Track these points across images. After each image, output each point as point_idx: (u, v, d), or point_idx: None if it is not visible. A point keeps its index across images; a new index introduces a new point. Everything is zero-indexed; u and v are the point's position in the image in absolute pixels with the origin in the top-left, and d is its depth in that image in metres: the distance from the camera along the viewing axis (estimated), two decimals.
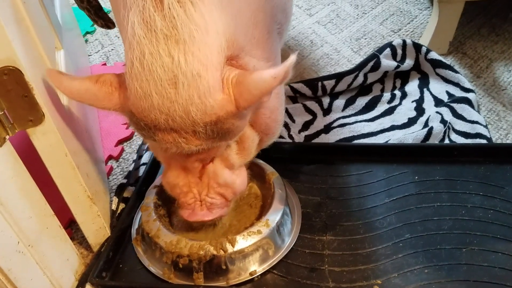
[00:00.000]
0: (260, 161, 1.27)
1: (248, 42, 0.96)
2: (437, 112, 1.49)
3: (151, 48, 0.81)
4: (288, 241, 1.16)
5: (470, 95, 1.52)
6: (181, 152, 0.92)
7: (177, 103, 0.83)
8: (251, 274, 1.10)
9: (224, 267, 1.08)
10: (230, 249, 1.07)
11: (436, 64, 1.66)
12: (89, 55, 2.07)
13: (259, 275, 1.10)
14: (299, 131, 1.55)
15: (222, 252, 1.07)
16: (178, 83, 0.82)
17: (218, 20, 0.84)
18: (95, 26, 1.43)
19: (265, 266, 1.11)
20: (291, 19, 1.40)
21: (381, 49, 1.71)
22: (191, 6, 0.80)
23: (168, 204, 1.24)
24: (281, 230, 1.14)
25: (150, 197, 1.23)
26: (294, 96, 1.67)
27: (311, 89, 1.65)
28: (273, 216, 1.14)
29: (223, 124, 0.88)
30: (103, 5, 1.39)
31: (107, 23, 1.39)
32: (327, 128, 1.55)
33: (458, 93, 1.57)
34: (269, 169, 1.25)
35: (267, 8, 1.03)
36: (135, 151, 1.56)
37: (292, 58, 0.81)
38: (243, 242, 1.09)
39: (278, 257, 1.13)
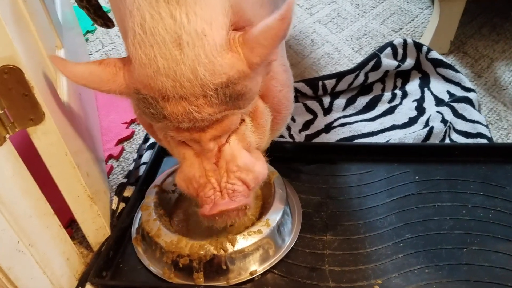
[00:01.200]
0: None
1: (255, 18, 0.92)
2: (437, 112, 1.49)
3: (151, 11, 0.79)
4: (289, 241, 1.16)
5: (471, 95, 1.52)
6: (194, 131, 0.90)
7: (184, 64, 0.80)
8: (251, 273, 1.10)
9: (224, 267, 1.08)
10: (230, 248, 1.07)
11: (437, 63, 1.66)
12: (89, 54, 2.07)
13: (259, 274, 1.10)
14: (300, 131, 1.54)
15: (222, 252, 1.07)
16: (182, 43, 0.80)
17: None
18: (95, 25, 1.43)
19: (266, 266, 1.11)
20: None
21: (382, 49, 1.70)
22: None
23: (168, 204, 1.25)
24: (282, 229, 1.14)
25: (151, 197, 1.23)
26: (294, 96, 1.66)
27: (312, 88, 1.65)
28: (274, 216, 1.14)
29: (235, 85, 0.85)
30: (102, 4, 1.39)
31: (107, 22, 1.39)
32: (328, 128, 1.55)
33: (459, 92, 1.56)
34: (269, 168, 1.25)
35: None
36: (136, 150, 1.57)
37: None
38: (243, 241, 1.08)
39: (279, 256, 1.13)
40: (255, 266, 1.10)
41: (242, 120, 0.98)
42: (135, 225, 1.25)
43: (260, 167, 1.02)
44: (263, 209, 1.20)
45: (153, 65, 0.81)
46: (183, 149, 0.99)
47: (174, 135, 0.95)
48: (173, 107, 0.85)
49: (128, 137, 1.62)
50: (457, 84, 1.60)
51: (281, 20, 0.79)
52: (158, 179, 1.28)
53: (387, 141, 1.45)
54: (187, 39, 0.79)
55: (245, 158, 0.98)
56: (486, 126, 1.44)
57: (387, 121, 1.54)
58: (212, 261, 1.07)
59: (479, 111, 1.51)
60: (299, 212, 1.23)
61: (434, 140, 1.40)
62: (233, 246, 1.07)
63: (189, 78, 0.81)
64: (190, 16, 0.79)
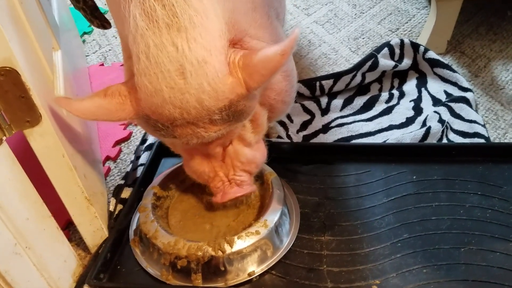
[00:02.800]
0: None
1: (250, 26, 0.96)
2: (435, 112, 1.49)
3: (155, 39, 0.81)
4: (287, 242, 1.16)
5: (468, 94, 1.52)
6: (201, 142, 0.93)
7: (189, 93, 0.83)
8: (249, 274, 1.09)
9: (222, 268, 1.08)
10: (228, 249, 1.07)
11: (434, 63, 1.66)
12: (86, 56, 2.07)
13: (258, 275, 1.10)
14: (297, 131, 1.55)
15: (220, 253, 1.07)
16: (185, 73, 0.82)
17: (215, 4, 0.84)
18: (92, 26, 1.43)
19: (264, 267, 1.11)
20: (285, 7, 1.42)
21: (379, 49, 1.70)
22: None
23: (165, 206, 1.25)
24: (280, 230, 1.14)
25: (148, 198, 1.22)
26: None
27: (309, 89, 1.65)
28: (272, 217, 1.14)
29: (236, 106, 0.88)
30: (99, 5, 1.39)
31: (103, 23, 1.39)
32: (325, 128, 1.55)
33: (456, 92, 1.57)
34: (267, 169, 1.25)
35: None
36: (133, 152, 1.57)
37: (297, 31, 0.81)
38: (241, 243, 1.08)
39: (277, 257, 1.12)
40: (253, 267, 1.10)
41: (243, 125, 1.02)
42: (133, 226, 1.24)
43: (260, 156, 1.09)
44: (261, 210, 1.21)
45: (159, 94, 0.84)
46: (191, 150, 1.04)
47: (183, 146, 1.02)
48: (182, 130, 0.89)
49: (126, 139, 1.62)
50: (454, 84, 1.60)
51: (282, 56, 0.82)
52: (156, 181, 1.28)
53: (385, 141, 1.45)
54: (190, 69, 0.81)
55: (247, 154, 1.05)
56: (484, 125, 1.44)
57: (384, 121, 1.54)
58: (210, 262, 1.07)
59: (476, 110, 1.51)
60: (297, 212, 1.23)
61: (432, 140, 1.40)
62: (231, 247, 1.07)
63: (194, 106, 0.84)
64: (191, 44, 0.81)
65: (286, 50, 0.81)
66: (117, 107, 0.90)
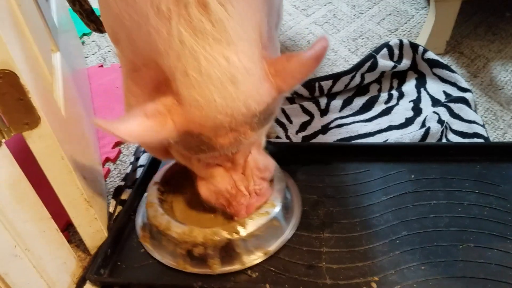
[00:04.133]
0: None
1: (264, 37, 0.97)
2: (434, 112, 1.49)
3: (205, 54, 0.83)
4: (295, 218, 1.20)
5: (467, 95, 1.52)
6: (238, 151, 0.99)
7: (239, 100, 0.86)
8: (265, 253, 1.13)
9: (238, 250, 1.10)
10: (242, 232, 1.10)
11: (433, 64, 1.66)
12: (86, 57, 2.07)
13: (256, 272, 1.11)
14: (297, 132, 1.55)
15: (236, 236, 1.09)
16: (236, 81, 0.85)
17: (251, 16, 0.87)
18: (89, 29, 1.43)
19: (279, 244, 1.15)
20: (282, 18, 1.46)
21: (378, 49, 1.71)
22: (231, 7, 0.83)
23: (169, 200, 1.27)
24: (287, 208, 1.19)
25: (153, 194, 1.24)
26: (291, 97, 1.67)
27: (308, 89, 1.65)
28: (277, 196, 1.17)
29: (270, 109, 0.94)
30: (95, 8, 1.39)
31: (99, 27, 1.40)
32: (325, 129, 1.55)
33: (455, 92, 1.57)
34: None
35: (271, 6, 1.05)
36: (132, 153, 1.57)
37: (326, 37, 0.87)
38: (253, 223, 1.11)
39: (289, 233, 1.17)
40: (268, 246, 1.14)
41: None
42: (138, 224, 1.26)
43: (271, 161, 1.13)
44: None
45: (211, 105, 0.86)
46: (211, 168, 1.06)
47: (210, 161, 1.04)
48: (224, 140, 0.92)
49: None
50: (453, 84, 1.60)
51: (316, 60, 0.88)
52: (157, 176, 1.29)
53: (384, 141, 1.45)
54: (239, 78, 0.85)
55: (263, 160, 1.09)
56: (483, 126, 1.44)
57: (383, 122, 1.54)
58: (226, 246, 1.09)
59: (475, 111, 1.51)
60: (296, 193, 1.28)
61: (431, 140, 1.40)
62: (245, 228, 1.10)
63: (243, 112, 0.88)
64: (239, 55, 0.84)
65: (321, 54, 0.87)
66: (161, 126, 0.88)
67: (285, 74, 0.90)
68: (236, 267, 1.11)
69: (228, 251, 1.10)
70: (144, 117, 0.87)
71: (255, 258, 1.13)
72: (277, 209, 1.15)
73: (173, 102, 0.89)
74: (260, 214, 1.13)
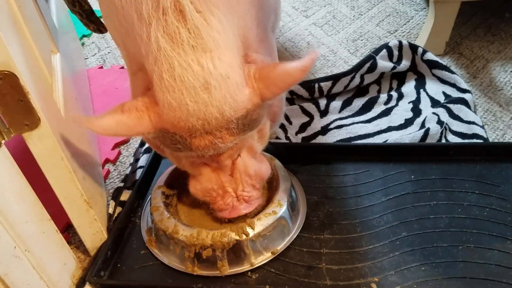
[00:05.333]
0: None
1: (253, 40, 0.99)
2: (433, 113, 1.49)
3: (180, 60, 0.84)
4: (300, 216, 1.21)
5: (466, 96, 1.53)
6: (216, 154, 0.97)
7: (212, 105, 0.87)
8: (273, 253, 1.14)
9: (247, 251, 1.11)
10: (250, 232, 1.10)
11: (432, 64, 1.66)
12: (85, 58, 2.08)
13: (257, 273, 1.11)
14: (296, 133, 1.55)
15: (244, 237, 1.09)
16: (210, 88, 0.86)
17: (231, 23, 0.88)
18: (88, 30, 1.44)
19: (286, 243, 1.16)
20: (280, 19, 1.44)
21: (377, 50, 1.71)
22: (209, 14, 0.84)
23: (174, 203, 1.27)
24: (293, 207, 1.19)
25: (158, 198, 1.24)
26: (291, 98, 1.67)
27: (308, 90, 1.65)
28: (283, 196, 1.18)
29: (252, 115, 0.93)
30: (98, 8, 1.39)
31: (99, 27, 1.40)
32: (324, 130, 1.55)
33: (454, 93, 1.57)
34: (267, 155, 1.29)
35: (265, 8, 1.06)
36: (132, 154, 1.57)
37: (317, 51, 0.86)
38: (261, 223, 1.12)
39: (295, 232, 1.18)
40: (276, 245, 1.14)
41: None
42: (144, 228, 1.26)
43: (265, 169, 1.12)
44: (270, 192, 1.25)
45: (183, 108, 0.87)
46: (199, 166, 1.06)
47: (194, 160, 1.04)
48: (199, 141, 0.93)
49: (125, 141, 1.63)
50: (453, 85, 1.60)
51: (302, 71, 0.88)
52: (161, 180, 1.29)
53: (384, 142, 1.45)
54: (214, 84, 0.86)
55: (254, 166, 1.08)
56: (482, 127, 1.44)
57: (383, 123, 1.55)
58: (234, 247, 1.10)
59: (474, 112, 1.51)
60: (301, 191, 1.29)
61: (430, 141, 1.40)
62: (253, 229, 1.11)
63: (216, 117, 0.89)
64: (215, 62, 0.85)
65: (306, 66, 0.87)
66: (136, 122, 0.93)
67: (269, 82, 0.90)
68: (244, 268, 1.12)
69: (236, 252, 1.10)
70: (120, 113, 0.92)
71: (264, 258, 1.13)
72: (284, 208, 1.16)
73: (151, 100, 0.92)
74: (268, 214, 1.14)
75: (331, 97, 1.67)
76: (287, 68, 0.89)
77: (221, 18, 0.86)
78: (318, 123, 1.58)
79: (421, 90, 1.63)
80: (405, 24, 2.00)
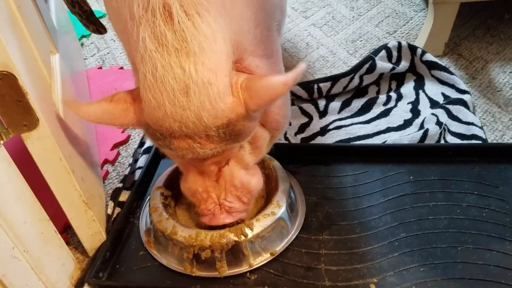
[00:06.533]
0: None
1: (250, 42, 0.98)
2: (432, 114, 1.49)
3: (162, 62, 0.84)
4: (299, 217, 1.21)
5: (465, 97, 1.53)
6: (197, 157, 0.96)
7: (189, 110, 0.86)
8: (271, 254, 1.13)
9: (246, 252, 1.11)
10: (249, 233, 1.10)
11: (431, 65, 1.66)
12: (85, 59, 2.08)
13: (255, 274, 1.11)
14: (295, 134, 1.55)
15: (243, 238, 1.09)
16: (189, 92, 0.85)
17: (223, 27, 0.87)
18: (88, 31, 1.43)
19: (284, 244, 1.15)
20: (286, 14, 1.42)
21: (376, 51, 1.71)
22: (198, 18, 0.83)
23: (172, 204, 1.27)
24: (292, 208, 1.19)
25: (157, 199, 1.23)
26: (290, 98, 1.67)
27: (307, 91, 1.65)
28: (282, 197, 1.18)
29: (234, 126, 0.91)
30: (98, 9, 1.39)
31: (99, 28, 1.40)
32: (323, 131, 1.55)
33: (453, 94, 1.57)
34: (266, 156, 1.27)
35: (267, 7, 1.05)
36: (131, 155, 1.57)
37: (303, 66, 0.85)
38: (260, 224, 1.12)
39: (293, 233, 1.18)
40: (274, 246, 1.14)
41: (241, 146, 1.05)
42: (142, 229, 1.25)
43: (255, 183, 1.10)
44: (269, 191, 1.25)
45: (162, 109, 0.87)
46: (187, 165, 1.06)
47: (178, 159, 1.05)
48: (179, 143, 0.92)
49: (124, 142, 1.63)
50: (452, 86, 1.60)
51: (284, 86, 0.86)
52: (160, 180, 1.29)
53: (383, 143, 1.45)
54: (194, 89, 0.85)
55: (242, 178, 1.07)
56: (481, 127, 1.44)
57: (382, 124, 1.55)
58: (233, 248, 1.10)
59: (473, 113, 1.51)
60: (300, 192, 1.28)
61: (429, 142, 1.40)
62: (252, 230, 1.10)
63: (193, 122, 0.88)
64: (198, 67, 0.84)
65: (289, 81, 0.85)
66: (121, 113, 0.94)
67: (253, 93, 0.89)
68: (243, 269, 1.12)
69: (235, 253, 1.10)
70: (108, 102, 0.94)
71: (263, 259, 1.13)
72: (283, 209, 1.15)
73: (138, 94, 0.92)
74: (266, 215, 1.13)
75: (330, 98, 1.67)
76: (271, 81, 0.88)
77: (211, 22, 0.85)
78: (317, 124, 1.58)
79: (420, 91, 1.63)
80: (404, 25, 2.00)
